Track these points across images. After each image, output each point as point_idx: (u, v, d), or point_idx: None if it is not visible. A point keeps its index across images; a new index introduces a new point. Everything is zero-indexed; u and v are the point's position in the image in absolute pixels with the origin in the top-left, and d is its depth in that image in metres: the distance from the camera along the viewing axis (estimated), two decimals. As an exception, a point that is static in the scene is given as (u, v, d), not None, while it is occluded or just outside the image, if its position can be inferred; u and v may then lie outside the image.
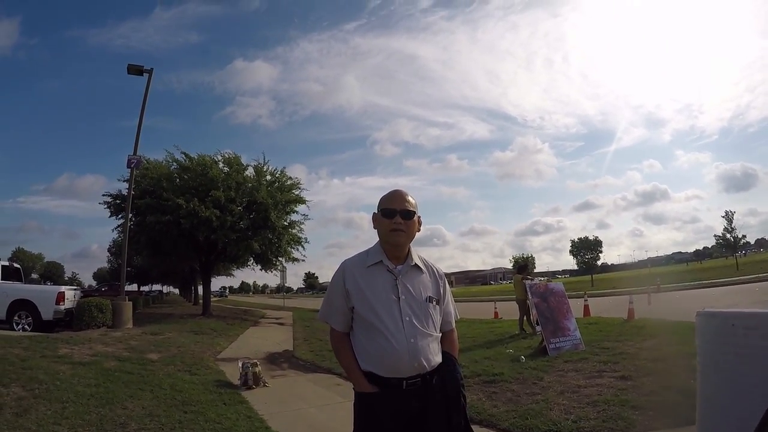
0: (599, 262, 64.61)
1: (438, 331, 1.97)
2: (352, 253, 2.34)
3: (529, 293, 9.23)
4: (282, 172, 19.97)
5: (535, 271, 73.81)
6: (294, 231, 20.27)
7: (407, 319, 1.85)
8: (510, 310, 13.77)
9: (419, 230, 2.00)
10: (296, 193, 19.98)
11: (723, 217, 47.89)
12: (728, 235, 47.20)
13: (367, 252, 2.02)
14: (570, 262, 62.43)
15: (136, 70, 14.68)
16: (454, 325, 2.11)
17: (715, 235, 50.52)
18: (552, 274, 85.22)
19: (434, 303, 1.96)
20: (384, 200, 1.99)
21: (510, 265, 65.27)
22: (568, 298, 9.19)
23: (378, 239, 2.01)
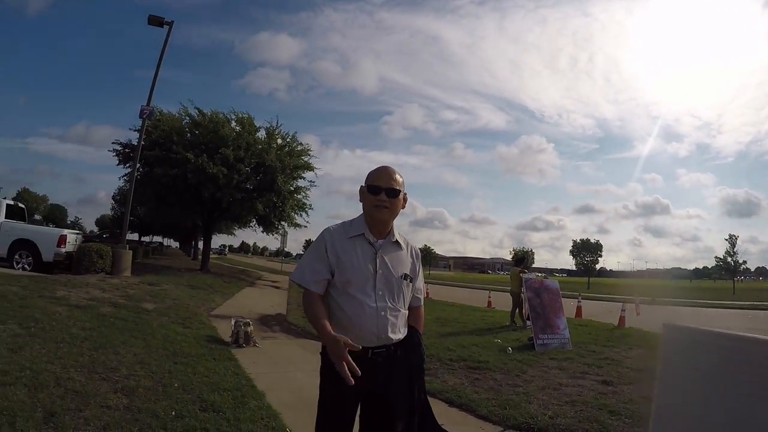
0: (598, 266, 64.58)
1: (407, 307, 2.05)
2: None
3: (524, 286, 9.28)
4: (293, 137, 19.99)
5: (533, 266, 73.98)
6: (299, 197, 20.36)
7: (380, 293, 1.93)
8: (503, 301, 13.88)
9: (404, 207, 2.06)
10: (305, 159, 20.00)
11: (726, 240, 47.52)
12: (729, 259, 46.83)
13: (350, 222, 2.06)
14: (568, 262, 62.83)
15: (156, 22, 14.50)
16: (422, 302, 2.20)
17: (715, 257, 50.19)
18: (549, 271, 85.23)
19: (408, 280, 2.03)
20: (371, 176, 2.02)
21: (509, 257, 65.39)
22: (562, 297, 9.24)
23: (363, 212, 2.06)
